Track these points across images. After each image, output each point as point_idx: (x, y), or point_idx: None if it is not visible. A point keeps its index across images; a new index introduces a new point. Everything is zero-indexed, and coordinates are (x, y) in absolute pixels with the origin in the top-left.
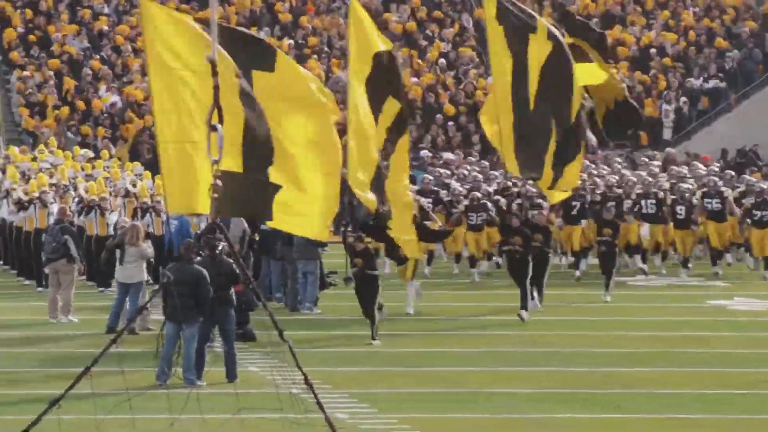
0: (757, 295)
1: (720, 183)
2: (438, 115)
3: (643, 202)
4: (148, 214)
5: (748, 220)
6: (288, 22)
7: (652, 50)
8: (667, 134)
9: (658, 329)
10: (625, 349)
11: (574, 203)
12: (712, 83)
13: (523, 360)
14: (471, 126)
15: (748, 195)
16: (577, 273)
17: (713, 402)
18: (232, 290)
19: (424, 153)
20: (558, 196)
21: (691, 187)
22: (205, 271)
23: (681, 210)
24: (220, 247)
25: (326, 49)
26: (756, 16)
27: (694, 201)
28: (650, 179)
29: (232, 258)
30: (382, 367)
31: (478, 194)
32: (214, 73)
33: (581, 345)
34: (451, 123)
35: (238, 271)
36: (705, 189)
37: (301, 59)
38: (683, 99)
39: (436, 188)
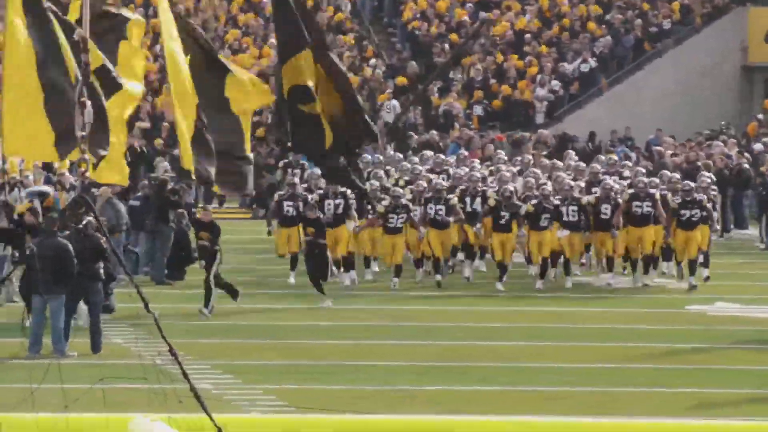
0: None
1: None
2: None
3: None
4: (16, 189)
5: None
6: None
7: (527, 35)
8: (539, 118)
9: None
10: (491, 324)
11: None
12: (584, 68)
13: (390, 333)
14: None
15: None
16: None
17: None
18: (100, 264)
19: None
20: None
21: (617, 186)
22: (69, 245)
23: (606, 210)
24: (85, 221)
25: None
26: (629, 5)
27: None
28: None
29: (99, 232)
30: (247, 339)
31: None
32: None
33: (444, 319)
34: None
35: (105, 245)
36: (632, 191)
37: None
38: (556, 83)
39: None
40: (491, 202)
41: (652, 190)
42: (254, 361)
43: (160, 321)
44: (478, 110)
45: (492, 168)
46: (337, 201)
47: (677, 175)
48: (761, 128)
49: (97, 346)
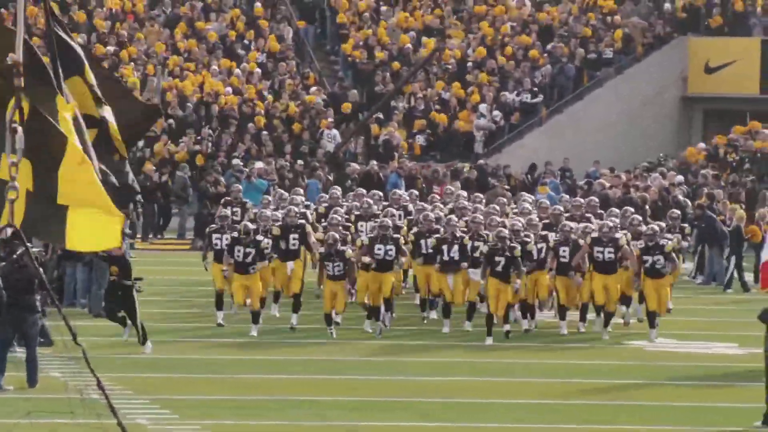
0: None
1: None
2: (250, 125)
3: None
4: None
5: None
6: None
7: (469, 64)
8: (478, 147)
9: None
10: (431, 359)
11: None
12: (525, 97)
13: (333, 368)
14: (285, 136)
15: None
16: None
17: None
18: (36, 295)
19: (236, 162)
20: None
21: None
22: None
23: (565, 252)
24: (19, 252)
25: (144, 57)
26: (571, 33)
27: (580, 243)
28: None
29: (30, 263)
30: (185, 373)
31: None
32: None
33: (384, 354)
34: (264, 133)
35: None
36: (595, 234)
37: (117, 66)
38: (496, 113)
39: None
40: (483, 249)
41: (617, 235)
42: (192, 395)
43: (96, 354)
44: (420, 140)
45: (452, 206)
46: (248, 250)
47: (638, 217)
48: (700, 159)
49: (33, 380)
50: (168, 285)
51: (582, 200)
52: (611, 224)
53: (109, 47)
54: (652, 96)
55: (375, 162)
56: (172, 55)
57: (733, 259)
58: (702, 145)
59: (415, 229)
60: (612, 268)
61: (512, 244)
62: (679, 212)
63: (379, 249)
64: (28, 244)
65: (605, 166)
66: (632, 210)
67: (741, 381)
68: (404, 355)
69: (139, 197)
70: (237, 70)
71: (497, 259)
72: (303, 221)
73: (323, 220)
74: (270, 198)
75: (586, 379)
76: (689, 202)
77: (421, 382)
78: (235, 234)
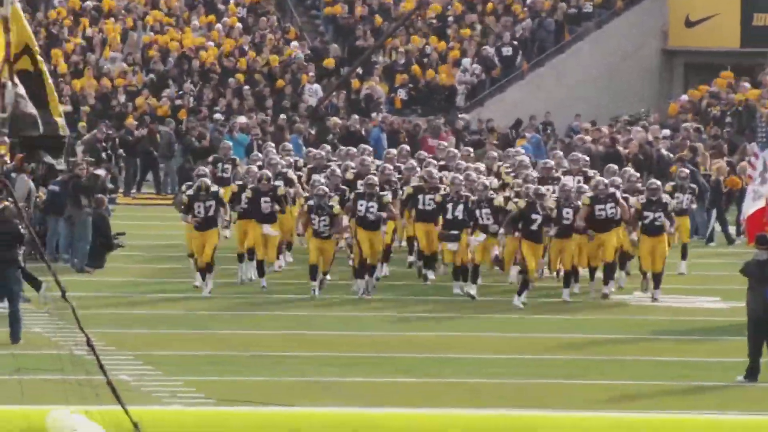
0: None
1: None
2: (231, 79)
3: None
4: None
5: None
6: None
7: (450, 18)
8: (460, 101)
9: None
10: (410, 313)
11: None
12: (505, 51)
13: (312, 324)
14: (266, 91)
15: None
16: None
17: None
18: (18, 250)
19: (218, 116)
20: None
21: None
22: None
23: (568, 214)
24: (1, 207)
25: (123, 11)
26: None
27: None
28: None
29: (18, 218)
30: (168, 329)
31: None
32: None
33: (366, 310)
34: (246, 87)
35: (23, 230)
36: (591, 193)
37: (97, 20)
38: (477, 66)
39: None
40: (521, 204)
41: (612, 190)
42: (175, 351)
43: (79, 310)
44: (402, 94)
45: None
46: (208, 203)
47: (636, 174)
48: (681, 113)
49: (16, 336)
50: (149, 240)
51: (579, 154)
52: (606, 180)
53: (88, 2)
54: (632, 50)
55: (356, 116)
56: (152, 9)
57: (714, 212)
58: (684, 97)
59: (413, 184)
60: (612, 225)
61: (547, 204)
62: (687, 171)
63: (361, 205)
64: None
65: (586, 119)
66: (615, 167)
67: (724, 335)
68: (382, 310)
69: (120, 151)
70: (217, 25)
71: (534, 216)
72: (279, 183)
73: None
74: (260, 155)
75: (567, 334)
76: (672, 156)
77: (403, 338)
78: (192, 192)
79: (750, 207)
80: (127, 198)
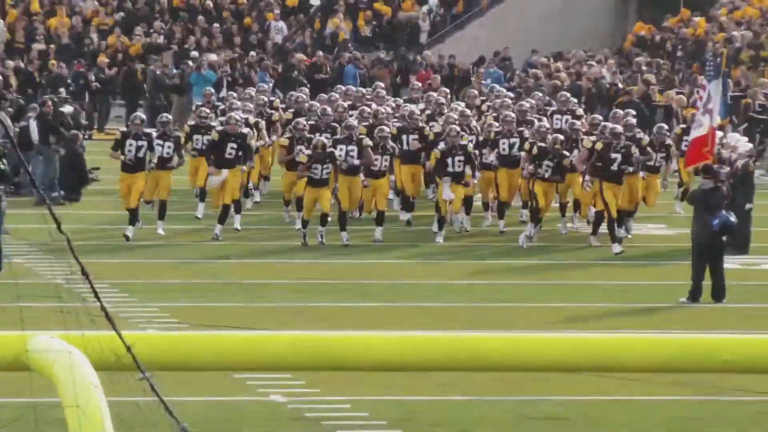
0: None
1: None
2: (200, 17)
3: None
4: None
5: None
6: None
7: None
8: (423, 38)
9: None
10: (370, 243)
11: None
12: None
13: (279, 254)
14: (234, 28)
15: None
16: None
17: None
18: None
19: (194, 53)
20: None
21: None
22: None
23: (616, 158)
24: None
25: None
26: None
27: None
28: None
29: (14, 151)
30: (143, 259)
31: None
32: None
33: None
34: (215, 25)
35: (3, 167)
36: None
37: None
38: (434, 2)
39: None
40: (534, 150)
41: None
42: (150, 280)
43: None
44: (366, 31)
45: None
46: (140, 143)
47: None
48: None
49: None
50: None
51: (567, 94)
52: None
53: None
54: None
55: (321, 53)
56: None
57: None
58: (640, 32)
59: (396, 125)
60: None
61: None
62: (666, 126)
63: (341, 150)
64: None
65: (543, 55)
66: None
67: (669, 260)
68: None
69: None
70: None
71: (613, 156)
72: (247, 130)
73: (289, 125)
74: (241, 102)
75: (515, 260)
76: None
77: (363, 265)
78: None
79: (693, 134)
80: (101, 134)
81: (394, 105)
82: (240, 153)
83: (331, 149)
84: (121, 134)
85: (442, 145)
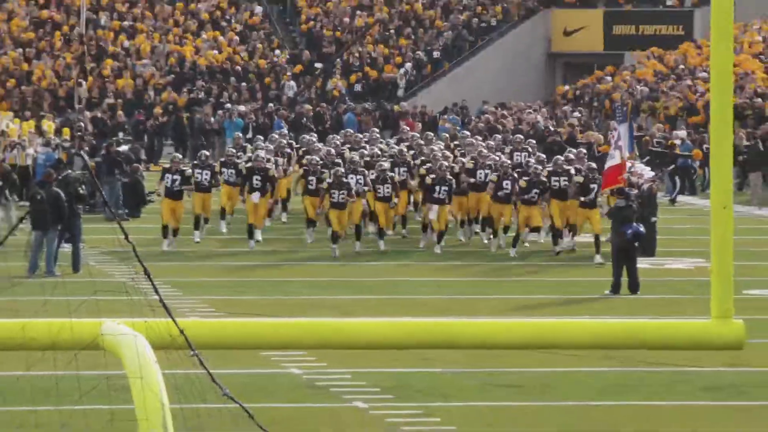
0: None
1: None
2: (232, 78)
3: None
4: (15, 149)
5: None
6: None
7: (392, 31)
8: (400, 92)
9: None
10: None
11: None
12: (434, 54)
13: (298, 257)
14: (257, 86)
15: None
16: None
17: None
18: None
19: (228, 106)
20: None
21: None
22: (62, 193)
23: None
24: (66, 173)
25: (152, 28)
26: (466, 8)
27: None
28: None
29: (92, 180)
30: (190, 261)
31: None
32: None
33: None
34: (243, 84)
35: (82, 191)
36: (550, 167)
37: (133, 35)
38: (409, 65)
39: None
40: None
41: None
42: (195, 278)
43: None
44: (357, 87)
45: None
46: (175, 176)
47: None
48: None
49: (77, 268)
50: None
51: (521, 136)
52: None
53: (126, 21)
54: (525, 53)
55: (324, 104)
56: (174, 27)
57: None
58: (565, 87)
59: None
60: (565, 194)
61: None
62: (584, 152)
63: (351, 178)
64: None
65: (492, 105)
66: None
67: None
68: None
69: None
70: (221, 38)
71: (592, 186)
72: (269, 165)
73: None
74: (265, 144)
75: (478, 263)
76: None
77: (358, 266)
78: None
79: (607, 164)
80: (156, 167)
81: (384, 146)
82: (265, 183)
83: (347, 180)
84: (162, 169)
85: (429, 179)
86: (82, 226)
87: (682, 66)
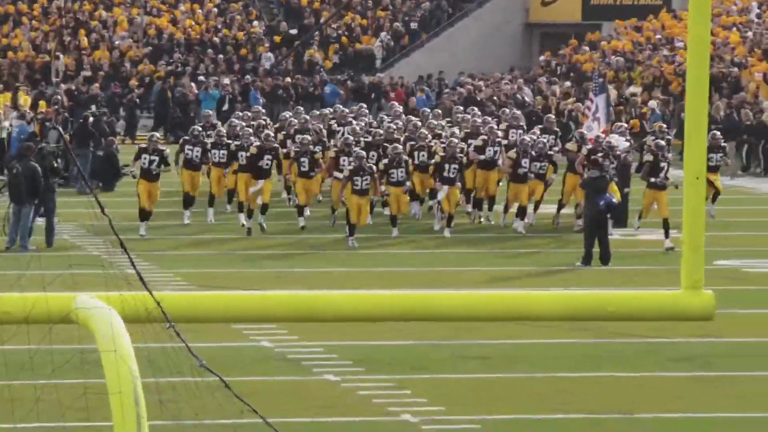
0: None
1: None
2: (209, 50)
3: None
4: None
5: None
6: None
7: (370, 2)
8: (378, 64)
9: None
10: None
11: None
12: (412, 25)
13: (270, 230)
14: (234, 58)
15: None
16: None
17: None
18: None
19: (202, 78)
20: None
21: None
22: (38, 167)
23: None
24: (41, 145)
25: (128, 1)
26: None
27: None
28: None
29: (68, 154)
30: (165, 236)
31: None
32: None
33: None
34: (220, 56)
35: (57, 165)
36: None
37: (110, 7)
38: (389, 37)
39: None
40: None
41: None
42: (169, 252)
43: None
44: (335, 59)
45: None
46: (153, 157)
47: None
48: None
49: (51, 242)
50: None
51: (517, 112)
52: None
53: None
54: (503, 24)
55: (300, 76)
56: None
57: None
58: (542, 58)
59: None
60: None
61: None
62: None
63: (343, 161)
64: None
65: (468, 75)
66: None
67: (566, 232)
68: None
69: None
70: (199, 10)
71: (662, 165)
72: (277, 145)
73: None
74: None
75: (459, 234)
76: (530, 102)
77: (329, 239)
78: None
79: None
80: (131, 140)
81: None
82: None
83: (370, 164)
84: (139, 148)
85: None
86: (57, 200)
87: (659, 36)
